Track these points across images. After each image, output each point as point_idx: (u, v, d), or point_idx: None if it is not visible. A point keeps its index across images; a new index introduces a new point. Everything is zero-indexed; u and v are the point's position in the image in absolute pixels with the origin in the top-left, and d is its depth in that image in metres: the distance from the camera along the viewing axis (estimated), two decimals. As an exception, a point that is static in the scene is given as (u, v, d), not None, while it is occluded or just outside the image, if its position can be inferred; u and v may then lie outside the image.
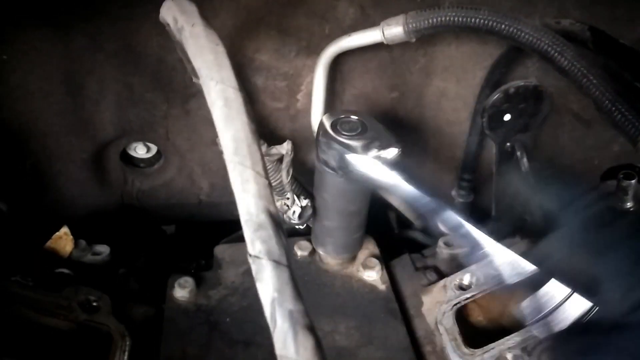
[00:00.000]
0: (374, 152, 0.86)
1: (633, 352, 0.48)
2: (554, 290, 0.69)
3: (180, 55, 0.85)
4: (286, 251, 0.44)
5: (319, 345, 0.40)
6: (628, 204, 0.97)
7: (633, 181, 0.94)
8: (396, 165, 0.86)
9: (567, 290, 0.67)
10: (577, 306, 0.66)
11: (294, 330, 0.40)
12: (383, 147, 0.86)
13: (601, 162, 1.15)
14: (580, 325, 0.62)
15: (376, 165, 0.86)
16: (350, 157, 0.86)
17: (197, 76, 0.86)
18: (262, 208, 0.45)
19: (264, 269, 0.43)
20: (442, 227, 0.80)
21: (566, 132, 1.12)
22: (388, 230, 1.45)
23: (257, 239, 0.44)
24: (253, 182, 0.46)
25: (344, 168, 0.88)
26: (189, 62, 0.83)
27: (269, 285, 0.42)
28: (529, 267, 0.73)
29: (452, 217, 0.80)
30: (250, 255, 0.44)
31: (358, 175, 0.87)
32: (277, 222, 0.45)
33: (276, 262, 0.43)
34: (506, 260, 1.01)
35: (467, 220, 1.17)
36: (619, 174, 0.96)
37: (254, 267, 0.43)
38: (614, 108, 0.75)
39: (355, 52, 1.04)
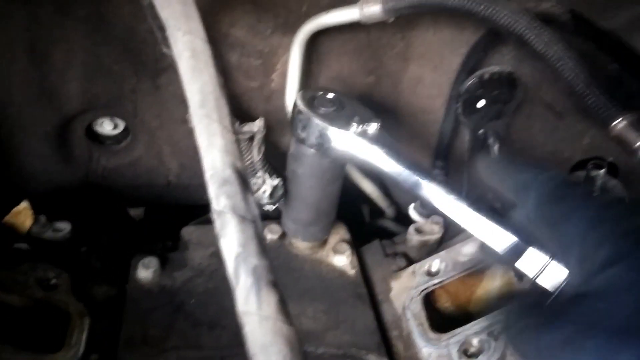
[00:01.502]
0: (354, 127, 0.85)
1: (591, 321, 0.48)
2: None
3: (151, 22, 0.82)
4: (252, 207, 0.42)
5: (282, 301, 0.38)
6: (595, 194, 0.98)
7: (602, 171, 0.95)
8: (377, 139, 0.85)
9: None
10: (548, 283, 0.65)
11: (257, 286, 0.38)
12: (363, 121, 0.85)
13: (572, 155, 1.16)
14: (537, 299, 0.61)
15: (358, 140, 0.84)
16: (332, 132, 0.85)
17: (167, 46, 0.83)
18: (229, 163, 0.43)
19: (228, 224, 0.41)
20: (424, 200, 0.80)
21: (538, 123, 1.12)
22: (359, 220, 1.45)
23: (222, 194, 0.41)
24: (219, 137, 0.43)
25: (324, 144, 0.86)
26: (160, 30, 0.80)
27: (233, 241, 0.40)
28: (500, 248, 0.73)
29: (435, 190, 0.80)
30: (214, 210, 0.42)
31: (339, 152, 0.86)
32: (244, 178, 0.43)
33: (241, 217, 0.41)
34: (478, 245, 1.01)
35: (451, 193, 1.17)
36: (588, 163, 0.96)
37: (218, 223, 0.41)
38: (588, 91, 0.75)
39: (332, 32, 1.02)
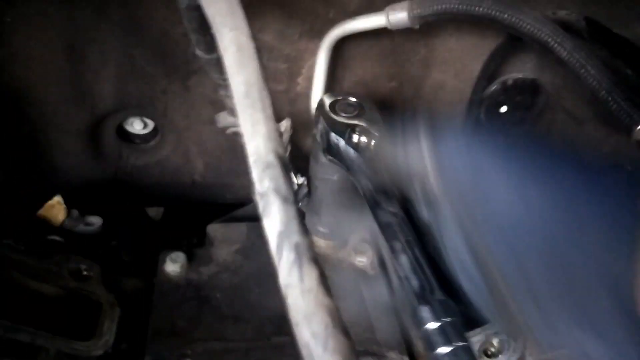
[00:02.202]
0: (355, 137, 0.86)
1: None
2: None
3: (186, 25, 0.85)
4: (293, 191, 0.45)
5: (323, 275, 0.41)
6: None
7: (622, 177, 0.97)
8: (368, 154, 0.84)
9: None
10: None
11: (299, 261, 0.41)
12: (365, 134, 0.86)
13: (591, 162, 1.18)
14: None
15: (348, 150, 0.85)
16: (332, 137, 0.86)
17: (200, 48, 0.87)
18: (271, 149, 0.45)
19: (272, 205, 0.43)
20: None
21: (558, 130, 1.14)
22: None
23: (265, 177, 0.44)
24: (263, 125, 0.46)
25: (328, 147, 0.88)
26: (194, 32, 0.84)
27: (275, 220, 0.42)
28: None
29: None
30: (257, 193, 0.44)
31: (336, 156, 0.87)
32: (285, 163, 0.46)
33: (284, 198, 0.43)
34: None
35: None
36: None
37: (260, 204, 0.44)
38: (610, 98, 0.77)
39: (357, 38, 1.05)
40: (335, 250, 1.12)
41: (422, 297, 0.65)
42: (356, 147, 0.85)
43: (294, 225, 0.42)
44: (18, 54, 0.97)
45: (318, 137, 0.90)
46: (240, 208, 1.23)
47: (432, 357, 0.59)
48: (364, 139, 0.85)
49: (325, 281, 0.41)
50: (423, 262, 0.68)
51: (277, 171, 0.44)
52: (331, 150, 0.88)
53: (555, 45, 0.83)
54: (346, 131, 0.86)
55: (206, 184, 1.27)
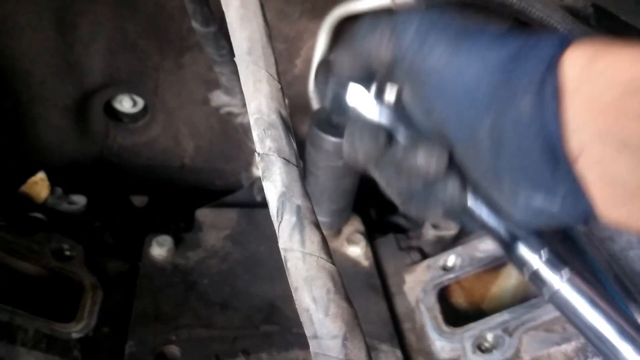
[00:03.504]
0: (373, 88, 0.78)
1: None
2: None
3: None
4: (295, 153, 0.42)
5: (324, 241, 0.38)
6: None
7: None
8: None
9: None
10: None
11: (301, 224, 0.38)
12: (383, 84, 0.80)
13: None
14: None
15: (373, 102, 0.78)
16: (350, 88, 0.78)
17: (197, 21, 0.84)
18: (274, 109, 0.42)
19: (274, 166, 0.40)
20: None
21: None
22: (370, 217, 1.44)
23: (267, 137, 0.41)
24: (266, 83, 0.43)
25: (341, 105, 0.82)
26: (191, 2, 0.80)
27: (277, 181, 0.40)
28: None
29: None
30: (259, 154, 0.41)
31: (354, 112, 0.80)
32: (288, 124, 0.43)
33: (285, 160, 0.41)
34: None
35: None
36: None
37: (262, 165, 0.41)
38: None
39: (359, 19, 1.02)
40: (329, 240, 1.09)
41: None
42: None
43: (296, 188, 0.39)
44: (5, 21, 0.93)
45: (328, 101, 0.83)
46: (230, 194, 1.20)
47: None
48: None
49: (326, 246, 0.38)
50: None
51: (280, 132, 0.41)
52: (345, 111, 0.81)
53: (565, 32, 0.80)
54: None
55: (196, 168, 1.23)
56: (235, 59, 0.45)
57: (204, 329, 0.89)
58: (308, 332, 0.35)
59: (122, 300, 0.92)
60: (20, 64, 0.99)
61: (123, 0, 0.95)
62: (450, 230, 1.08)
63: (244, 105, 0.96)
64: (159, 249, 0.98)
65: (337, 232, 1.11)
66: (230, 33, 0.47)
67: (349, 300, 0.36)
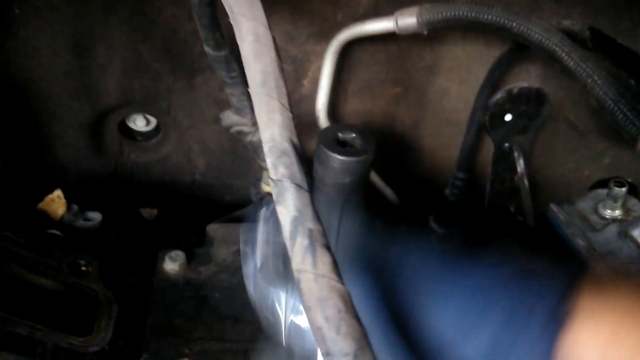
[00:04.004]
0: None
1: None
2: None
3: (197, 20, 0.85)
4: (307, 179, 0.45)
5: (335, 263, 0.41)
6: (617, 211, 1.00)
7: (624, 189, 0.98)
8: None
9: None
10: None
11: (313, 247, 0.41)
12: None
13: (591, 174, 1.18)
14: None
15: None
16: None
17: (209, 45, 0.87)
18: (286, 137, 0.46)
19: (287, 191, 0.43)
20: None
21: (560, 140, 1.15)
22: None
23: (280, 164, 0.44)
24: (279, 113, 0.47)
25: None
26: (204, 29, 0.84)
27: (290, 207, 0.43)
28: None
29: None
30: (272, 179, 0.45)
31: None
32: (299, 153, 0.46)
33: (298, 186, 0.44)
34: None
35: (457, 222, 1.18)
36: (611, 181, 0.99)
37: (275, 191, 0.44)
38: (616, 108, 0.78)
39: (364, 42, 1.05)
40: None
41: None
42: None
43: (309, 212, 0.42)
44: (25, 46, 0.97)
45: None
46: (239, 209, 1.23)
47: None
48: None
49: (337, 268, 0.41)
50: None
51: (292, 159, 0.44)
52: None
53: (563, 54, 0.83)
54: None
55: (206, 184, 1.27)
56: (249, 90, 0.49)
57: (215, 342, 0.91)
58: (321, 350, 0.38)
59: (136, 314, 0.95)
60: (39, 85, 1.03)
61: (137, 24, 0.99)
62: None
63: (254, 124, 0.99)
64: (172, 264, 1.01)
65: (344, 246, 1.13)
66: (244, 66, 0.50)
67: (358, 319, 0.39)
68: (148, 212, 1.30)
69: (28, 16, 0.94)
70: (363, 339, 0.37)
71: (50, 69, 1.01)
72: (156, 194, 1.27)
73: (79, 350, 0.83)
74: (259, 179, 1.24)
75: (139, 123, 1.16)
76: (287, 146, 0.46)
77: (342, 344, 0.37)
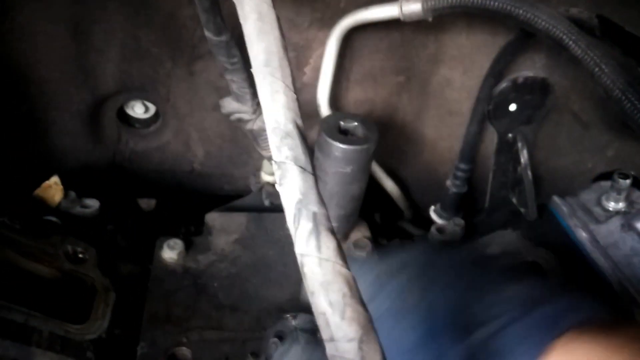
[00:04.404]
0: None
1: None
2: None
3: (197, 3, 0.84)
4: (312, 162, 0.44)
5: (340, 247, 0.40)
6: (620, 204, 0.99)
7: (628, 181, 0.96)
8: None
9: None
10: None
11: (317, 230, 0.40)
12: None
13: (595, 166, 1.17)
14: None
15: None
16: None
17: (209, 30, 0.86)
18: (290, 119, 0.44)
19: (290, 173, 0.42)
20: None
21: (564, 131, 1.14)
22: (376, 222, 1.46)
23: (284, 146, 0.43)
24: (282, 94, 0.45)
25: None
26: (204, 12, 0.82)
27: (294, 189, 0.41)
28: None
29: None
30: (275, 162, 0.43)
31: None
32: (303, 135, 0.45)
33: (302, 168, 0.42)
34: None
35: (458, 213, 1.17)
36: (614, 173, 0.98)
37: (278, 173, 0.43)
38: (624, 97, 0.76)
39: (367, 29, 1.04)
40: (336, 244, 1.10)
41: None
42: None
43: (312, 195, 0.41)
44: (22, 29, 0.95)
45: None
46: (238, 199, 1.22)
47: None
48: None
49: (342, 252, 0.40)
50: None
51: (296, 140, 0.43)
52: None
53: (570, 42, 0.82)
54: None
55: (205, 173, 1.25)
56: (252, 70, 0.47)
57: (214, 331, 0.90)
58: (325, 335, 0.37)
59: (134, 302, 0.93)
60: (36, 70, 1.01)
61: (137, 9, 0.98)
62: (455, 235, 1.09)
63: (254, 112, 0.97)
64: (170, 252, 1.00)
65: (344, 237, 1.12)
66: (247, 45, 0.48)
67: (364, 304, 0.38)
68: (146, 203, 1.29)
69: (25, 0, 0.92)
70: (368, 324, 0.36)
71: (47, 54, 0.99)
72: (155, 182, 1.25)
73: (75, 338, 0.82)
74: (258, 169, 1.23)
75: (137, 110, 1.15)
76: (291, 128, 0.44)
77: (347, 329, 0.36)
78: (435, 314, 0.60)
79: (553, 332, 0.53)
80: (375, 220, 1.44)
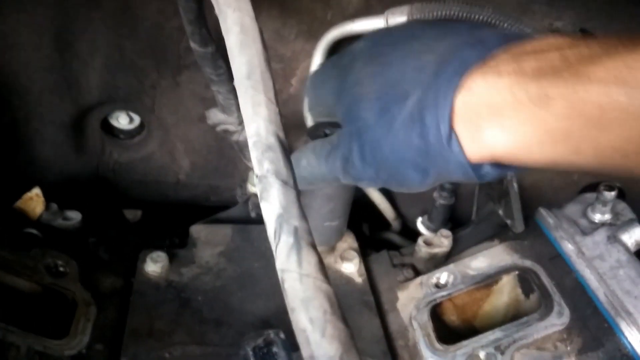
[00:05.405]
0: None
1: None
2: None
3: (182, 15, 0.83)
4: (293, 175, 0.43)
5: (321, 262, 0.39)
6: (606, 215, 0.99)
7: (613, 192, 0.97)
8: None
9: None
10: None
11: (298, 245, 0.39)
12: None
13: (580, 178, 1.18)
14: None
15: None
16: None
17: (195, 41, 0.85)
18: (272, 132, 0.44)
19: (272, 187, 0.41)
20: None
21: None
22: (363, 233, 1.45)
23: (265, 159, 0.42)
24: (264, 107, 0.45)
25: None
26: (190, 24, 0.81)
27: (275, 203, 0.41)
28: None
29: None
30: (257, 175, 0.43)
31: None
32: (285, 148, 0.44)
33: (283, 182, 0.42)
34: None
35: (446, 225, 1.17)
36: (600, 185, 0.98)
37: (259, 187, 0.42)
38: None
39: (353, 41, 1.03)
40: (322, 256, 1.10)
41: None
42: None
43: (294, 209, 0.40)
44: (5, 38, 0.94)
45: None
46: (224, 210, 1.21)
47: None
48: None
49: (323, 267, 0.39)
50: None
51: (278, 154, 0.42)
52: None
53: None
54: None
55: (191, 184, 1.24)
56: (234, 83, 0.47)
57: (197, 346, 0.89)
58: (304, 353, 0.36)
59: (115, 316, 0.92)
60: (19, 80, 1.00)
61: (121, 19, 0.97)
62: (442, 247, 1.09)
63: (240, 123, 0.97)
64: (153, 265, 0.99)
65: (331, 248, 1.12)
66: (229, 58, 0.48)
67: (345, 321, 0.37)
68: (132, 214, 1.27)
69: (8, 7, 0.91)
70: (350, 342, 0.35)
71: (30, 64, 0.98)
72: (139, 194, 1.24)
73: (55, 354, 0.80)
74: (245, 180, 1.22)
75: (122, 121, 1.13)
76: (273, 141, 0.44)
77: (327, 347, 0.35)
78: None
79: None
80: (362, 231, 1.44)
